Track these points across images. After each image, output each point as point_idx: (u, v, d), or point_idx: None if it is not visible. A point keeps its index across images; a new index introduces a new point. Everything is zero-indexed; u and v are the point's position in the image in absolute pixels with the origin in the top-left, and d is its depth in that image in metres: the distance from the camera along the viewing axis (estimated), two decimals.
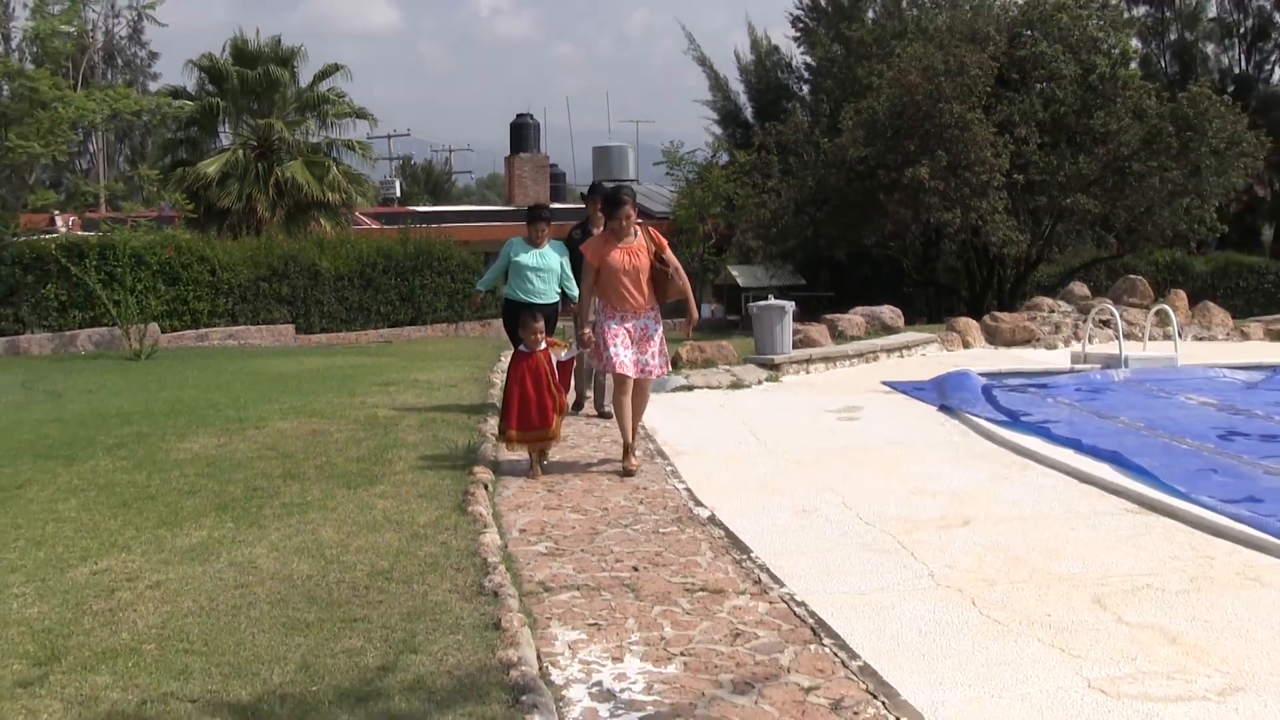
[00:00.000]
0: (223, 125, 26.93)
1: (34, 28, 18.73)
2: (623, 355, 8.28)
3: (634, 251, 8.35)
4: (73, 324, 18.72)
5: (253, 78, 25.90)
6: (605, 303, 8.46)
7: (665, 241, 8.65)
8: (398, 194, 46.53)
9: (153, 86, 46.32)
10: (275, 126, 25.77)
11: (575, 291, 10.30)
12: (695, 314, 9.22)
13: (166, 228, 21.47)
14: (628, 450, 8.50)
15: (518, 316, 9.56)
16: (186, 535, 6.45)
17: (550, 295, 10.37)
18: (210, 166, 24.98)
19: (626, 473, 8.34)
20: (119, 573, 5.77)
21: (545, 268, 10.32)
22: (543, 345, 8.31)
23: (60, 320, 18.74)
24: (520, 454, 8.48)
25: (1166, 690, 4.51)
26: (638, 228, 8.49)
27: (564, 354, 8.50)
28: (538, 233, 10.40)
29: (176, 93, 26.69)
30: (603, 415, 10.89)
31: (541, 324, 8.36)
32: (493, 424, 10.15)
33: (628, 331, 8.36)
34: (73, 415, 10.63)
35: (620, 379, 8.40)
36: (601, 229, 10.21)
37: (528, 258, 10.31)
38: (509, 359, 8.69)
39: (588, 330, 8.64)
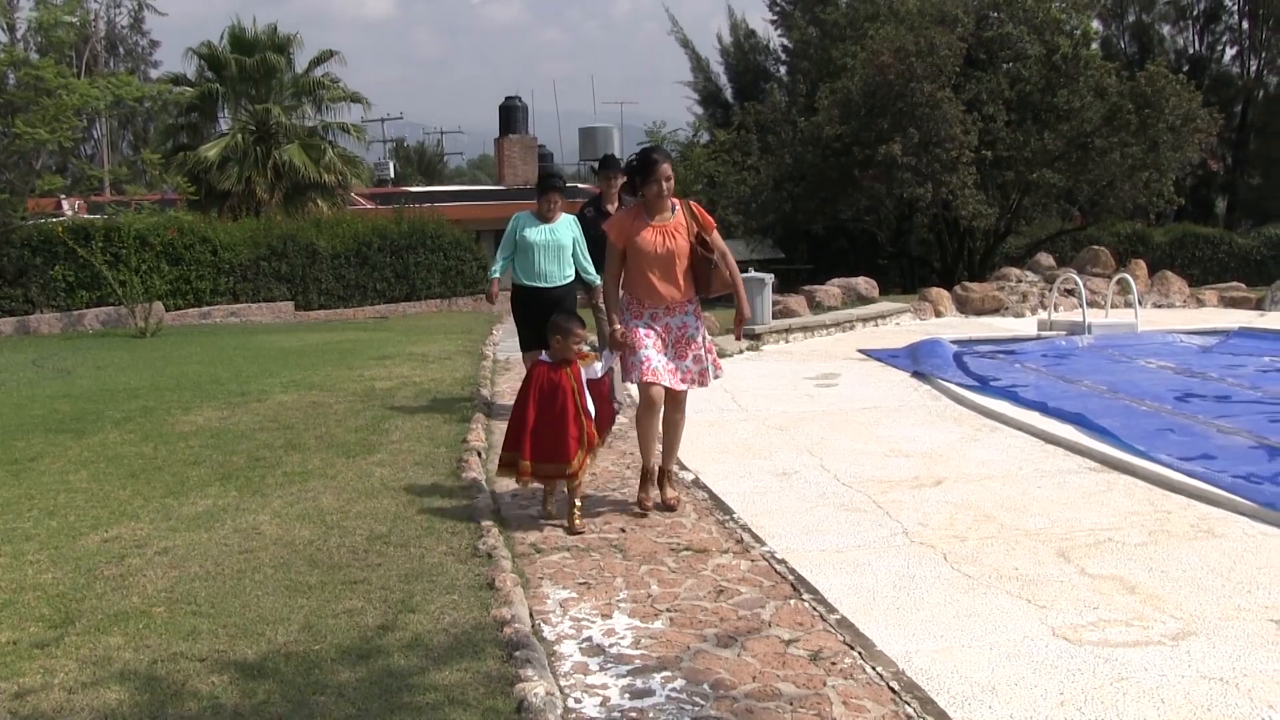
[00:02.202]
0: (222, 111, 27.10)
1: (38, 18, 18.81)
2: (655, 359, 6.43)
3: (670, 231, 6.46)
4: (80, 304, 18.87)
5: (250, 64, 26.01)
6: (630, 296, 6.58)
7: (711, 220, 6.69)
8: (392, 175, 46.51)
9: (154, 74, 46.18)
10: (273, 111, 25.89)
11: (592, 273, 9.08)
12: (747, 311, 6.99)
13: (169, 210, 21.59)
14: (647, 477, 6.66)
15: (529, 303, 8.87)
16: (193, 504, 6.59)
17: (560, 277, 8.99)
18: (210, 150, 25.13)
19: (643, 507, 6.58)
20: (129, 540, 5.90)
21: (554, 244, 8.92)
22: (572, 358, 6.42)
23: (68, 300, 18.89)
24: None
25: (1125, 636, 4.70)
26: (676, 202, 6.60)
27: (598, 367, 6.48)
28: (549, 205, 8.95)
29: (177, 80, 26.87)
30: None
31: (584, 332, 6.52)
32: (484, 393, 10.27)
33: (659, 333, 6.52)
34: (82, 391, 10.75)
35: (650, 392, 6.46)
36: (615, 206, 9.44)
37: (534, 234, 8.89)
38: (526, 371, 6.69)
39: (620, 327, 6.51)
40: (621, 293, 6.64)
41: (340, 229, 22.21)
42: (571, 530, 6.17)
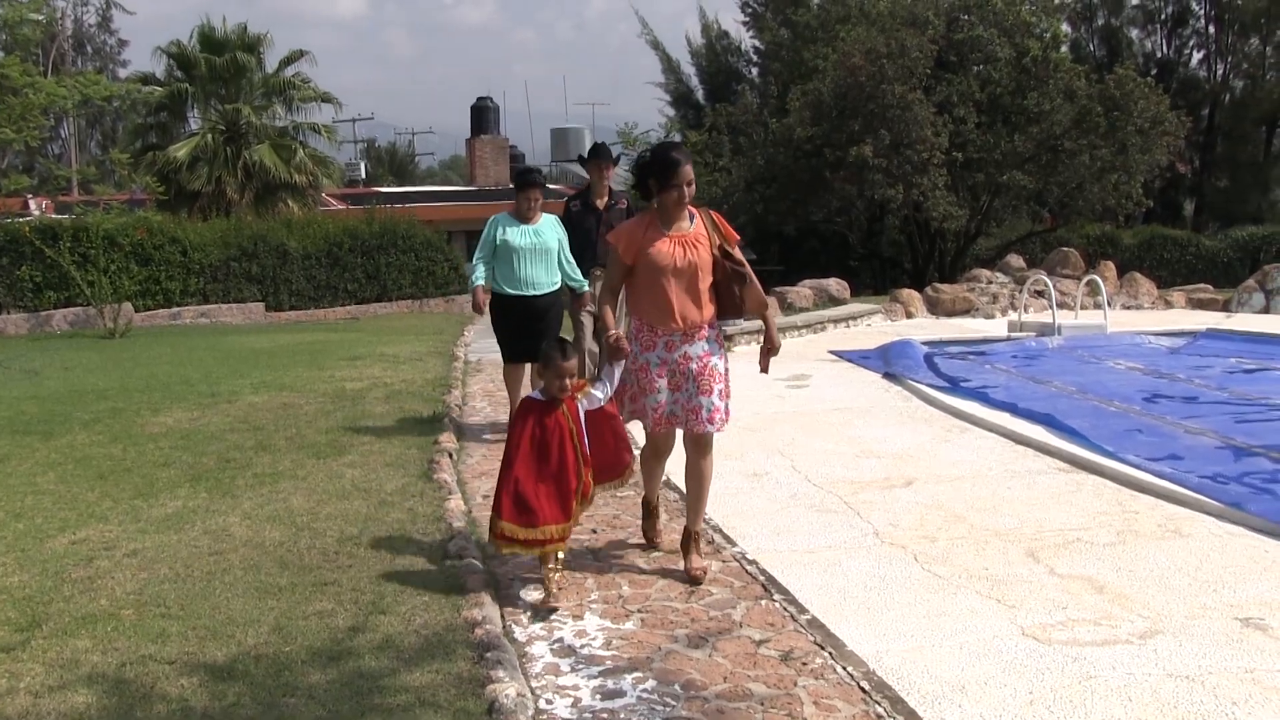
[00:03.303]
0: (192, 110, 27.00)
1: (2, 15, 18.63)
2: (668, 405, 5.44)
3: (690, 243, 5.44)
4: (48, 304, 18.71)
5: (220, 64, 25.90)
6: (641, 320, 5.52)
7: (734, 232, 5.72)
8: (363, 175, 46.48)
9: (122, 73, 45.96)
10: (243, 111, 25.79)
11: (579, 278, 8.45)
12: (777, 339, 5.79)
13: (138, 210, 21.46)
14: (651, 510, 6.01)
15: (512, 314, 8.20)
16: (162, 505, 6.54)
17: (547, 284, 8.23)
18: (180, 150, 25.02)
19: (651, 540, 5.97)
20: (97, 542, 5.85)
21: (540, 248, 8.14)
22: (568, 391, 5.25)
23: (35, 300, 18.72)
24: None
25: (1094, 635, 4.74)
26: (694, 210, 5.56)
27: (597, 395, 5.39)
28: (529, 204, 8.17)
29: (146, 79, 26.74)
30: None
31: (574, 363, 5.26)
32: (456, 395, 10.27)
33: (677, 365, 5.44)
34: (49, 392, 10.66)
35: (658, 440, 5.67)
36: (605, 200, 8.79)
37: (517, 236, 8.10)
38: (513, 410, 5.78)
39: (617, 331, 5.39)
40: (631, 321, 5.62)
41: (311, 229, 22.13)
42: (545, 600, 5.09)
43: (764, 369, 5.80)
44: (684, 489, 5.89)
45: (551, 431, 5.13)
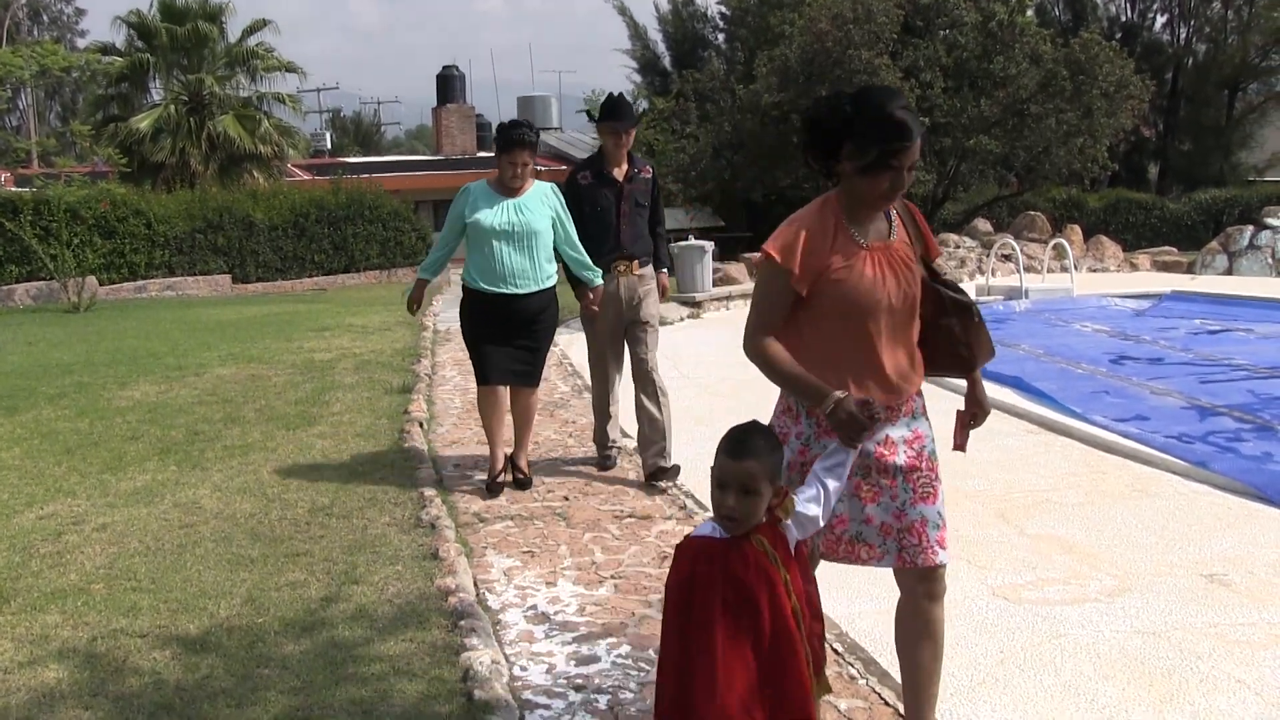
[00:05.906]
0: (153, 81, 26.74)
1: None
2: (852, 520, 3.35)
3: (901, 262, 3.32)
4: (9, 279, 18.50)
5: (182, 33, 25.64)
6: (820, 380, 3.26)
7: (933, 237, 3.56)
8: (328, 146, 46.14)
9: (81, 43, 45.49)
10: (206, 81, 25.55)
11: (588, 265, 6.40)
12: (986, 399, 3.78)
13: (101, 182, 21.24)
14: None
15: (487, 318, 6.22)
16: (131, 479, 6.50)
17: (537, 278, 6.20)
18: (142, 122, 24.79)
19: None
20: (65, 516, 5.81)
21: (521, 230, 6.09)
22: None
23: None
24: None
25: (1063, 594, 4.79)
26: (894, 210, 3.39)
27: (811, 510, 3.04)
28: (513, 170, 6.08)
29: (106, 49, 26.45)
30: (654, 477, 6.38)
31: (780, 458, 3.00)
32: (426, 365, 10.21)
33: (873, 457, 3.31)
34: (13, 367, 10.55)
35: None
36: (623, 170, 6.59)
37: (491, 215, 6.09)
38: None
39: (846, 395, 3.17)
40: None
41: (277, 201, 22.00)
42: None
43: (960, 446, 3.76)
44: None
45: (755, 590, 2.78)
